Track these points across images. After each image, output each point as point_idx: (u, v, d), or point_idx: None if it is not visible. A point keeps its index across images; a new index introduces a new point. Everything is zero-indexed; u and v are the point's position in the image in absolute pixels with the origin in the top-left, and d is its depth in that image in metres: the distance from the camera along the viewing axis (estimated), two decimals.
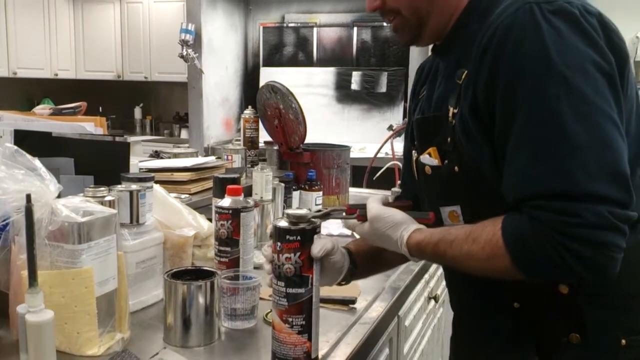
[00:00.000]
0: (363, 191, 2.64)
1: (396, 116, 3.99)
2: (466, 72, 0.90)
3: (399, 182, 1.93)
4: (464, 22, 0.98)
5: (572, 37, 0.79)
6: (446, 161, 0.96)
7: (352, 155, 2.47)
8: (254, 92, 2.75)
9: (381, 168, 2.48)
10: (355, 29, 4.23)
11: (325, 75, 4.24)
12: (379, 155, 3.62)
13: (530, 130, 0.80)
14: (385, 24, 4.14)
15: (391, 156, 3.59)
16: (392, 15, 1.01)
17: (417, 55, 3.61)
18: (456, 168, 0.94)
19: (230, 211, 1.27)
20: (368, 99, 4.13)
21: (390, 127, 3.82)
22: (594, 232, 0.75)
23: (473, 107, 0.89)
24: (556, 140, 0.78)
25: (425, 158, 1.01)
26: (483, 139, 0.88)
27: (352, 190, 2.43)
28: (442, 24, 1.00)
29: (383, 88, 4.06)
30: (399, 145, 3.75)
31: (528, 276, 0.83)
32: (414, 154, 1.07)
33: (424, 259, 1.00)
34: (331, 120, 4.21)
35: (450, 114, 0.92)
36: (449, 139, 0.94)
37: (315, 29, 4.34)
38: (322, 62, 4.33)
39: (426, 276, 1.76)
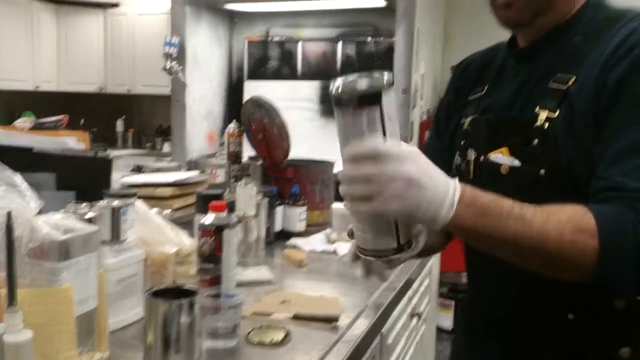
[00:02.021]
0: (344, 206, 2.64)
1: None
2: (574, 78, 0.91)
3: None
4: (566, 28, 0.97)
5: None
6: (525, 164, 0.93)
7: (336, 169, 2.47)
8: (238, 106, 2.75)
9: None
10: (339, 43, 4.25)
11: (310, 89, 4.25)
12: None
13: None
14: (366, 39, 4.18)
15: None
16: None
17: (400, 70, 3.64)
18: (542, 171, 0.91)
19: (213, 228, 1.26)
20: None
21: None
22: None
23: (586, 110, 0.88)
24: None
25: (498, 157, 0.96)
26: (587, 142, 0.88)
27: (336, 206, 2.43)
28: (555, 18, 0.98)
29: None
30: None
31: (606, 269, 0.78)
32: (471, 153, 1.03)
33: (470, 225, 0.79)
34: (315, 133, 4.21)
35: (543, 117, 0.91)
36: (535, 141, 0.91)
37: (299, 43, 4.36)
38: (307, 76, 4.35)
39: (409, 293, 1.76)
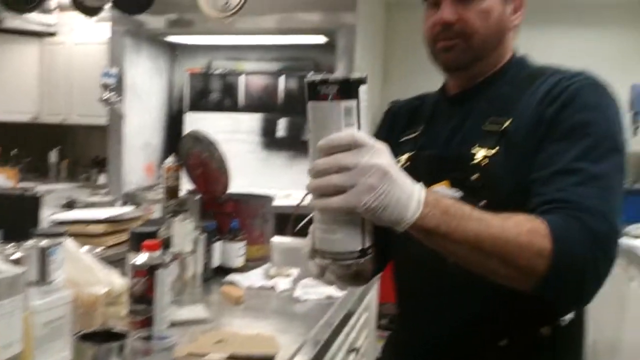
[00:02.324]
0: (287, 240, 2.64)
1: None
2: (509, 120, 1.00)
3: None
4: (495, 78, 1.08)
5: (613, 109, 0.98)
6: (466, 196, 1.00)
7: (278, 202, 2.46)
8: (178, 137, 2.72)
9: (306, 215, 2.49)
10: (282, 77, 4.30)
11: (252, 121, 4.26)
12: (304, 203, 3.64)
13: (583, 165, 0.91)
14: (310, 74, 4.24)
15: None
16: (457, 36, 1.03)
17: None
18: (482, 203, 0.97)
19: (146, 268, 1.23)
20: (294, 145, 4.17)
21: None
22: (613, 256, 0.87)
23: (524, 147, 0.97)
24: (599, 177, 0.90)
25: (441, 189, 1.02)
26: (527, 175, 0.95)
27: (276, 240, 2.42)
28: (486, 68, 1.08)
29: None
30: None
31: (558, 273, 0.82)
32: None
33: (434, 226, 0.79)
34: (257, 166, 4.21)
35: (480, 155, 1.00)
36: (474, 176, 1.00)
37: (242, 76, 4.38)
38: (249, 109, 4.36)
39: (346, 328, 1.76)
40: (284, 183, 4.02)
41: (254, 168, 4.17)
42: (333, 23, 3.64)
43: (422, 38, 1.10)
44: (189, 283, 1.75)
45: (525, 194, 0.94)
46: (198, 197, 2.15)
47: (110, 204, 2.16)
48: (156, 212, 2.02)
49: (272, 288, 1.85)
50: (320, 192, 0.75)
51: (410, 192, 0.77)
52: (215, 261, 1.94)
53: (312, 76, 0.77)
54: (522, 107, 1.00)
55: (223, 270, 1.96)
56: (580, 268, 0.83)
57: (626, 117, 3.33)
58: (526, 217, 0.85)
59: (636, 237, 2.96)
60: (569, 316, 1.03)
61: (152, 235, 1.42)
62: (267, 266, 1.99)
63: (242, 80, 4.37)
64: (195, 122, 4.17)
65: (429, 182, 0.99)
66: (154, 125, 4.28)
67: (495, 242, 0.81)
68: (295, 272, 1.96)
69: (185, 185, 2.23)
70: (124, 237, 1.79)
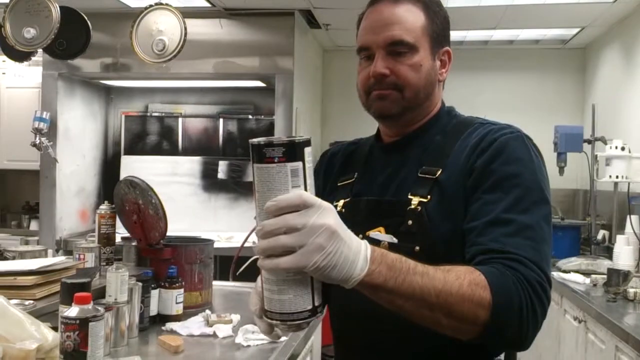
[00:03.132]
0: (228, 284, 2.60)
1: None
2: (441, 169, 1.06)
3: None
4: (427, 127, 1.14)
5: (539, 163, 1.05)
6: (401, 241, 1.04)
7: (219, 245, 2.43)
8: (114, 181, 2.66)
9: (249, 258, 2.46)
10: (221, 120, 4.30)
11: (191, 164, 4.22)
12: (246, 245, 3.61)
13: (514, 216, 0.97)
14: (247, 117, 4.26)
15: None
16: (390, 87, 1.08)
17: None
18: (417, 248, 1.02)
19: (78, 321, 1.19)
20: (235, 187, 4.15)
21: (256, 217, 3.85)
22: (547, 301, 0.93)
23: (456, 194, 1.03)
24: (531, 227, 0.96)
25: (377, 235, 1.06)
26: (460, 221, 1.01)
27: (217, 284, 2.38)
28: (417, 117, 1.14)
29: (250, 177, 4.11)
30: None
31: (498, 320, 0.86)
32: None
33: (381, 282, 0.81)
34: (197, 209, 4.16)
35: (416, 202, 1.05)
36: (409, 222, 1.04)
37: (180, 119, 4.35)
38: (188, 152, 4.33)
39: None
40: (226, 225, 3.98)
41: (194, 211, 4.11)
42: (271, 68, 3.70)
43: (355, 85, 1.15)
44: (125, 334, 1.69)
45: (457, 241, 1.00)
46: (134, 244, 2.10)
47: (42, 254, 2.07)
48: (90, 260, 1.95)
49: (213, 335, 1.81)
50: (268, 253, 0.76)
51: (357, 249, 0.79)
52: (153, 310, 1.88)
53: (257, 139, 0.78)
54: (453, 157, 1.07)
55: (161, 319, 1.91)
56: (518, 316, 0.88)
57: (551, 158, 3.50)
58: (466, 269, 0.88)
59: (566, 271, 3.08)
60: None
61: (84, 286, 1.37)
62: (207, 313, 1.95)
63: (180, 123, 4.34)
64: (132, 165, 4.09)
65: (364, 228, 1.06)
66: (89, 170, 4.17)
67: (439, 295, 0.84)
68: (236, 317, 1.92)
69: (121, 232, 2.18)
70: (55, 288, 1.71)
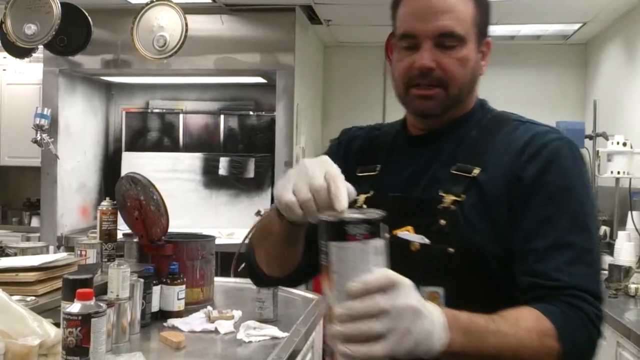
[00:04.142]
0: (230, 280, 2.60)
1: (264, 201, 4.04)
2: (479, 169, 0.99)
3: None
4: (462, 122, 1.07)
5: (587, 173, 1.03)
6: (434, 242, 0.98)
7: (220, 241, 2.43)
8: (115, 177, 2.66)
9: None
10: (222, 116, 4.30)
11: (192, 160, 4.22)
12: (247, 242, 3.61)
13: (572, 238, 0.94)
14: (248, 113, 4.25)
15: None
16: (434, 83, 1.01)
17: (282, 143, 3.73)
18: (451, 249, 0.96)
19: (80, 317, 1.19)
20: (236, 184, 4.15)
21: (258, 212, 3.84)
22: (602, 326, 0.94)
23: (497, 199, 0.98)
24: (589, 250, 0.95)
25: (406, 234, 1.00)
26: (500, 225, 0.97)
27: (219, 280, 2.38)
28: (456, 113, 1.06)
29: (251, 173, 4.12)
30: None
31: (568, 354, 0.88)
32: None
33: (459, 349, 0.79)
34: (199, 205, 4.15)
35: (449, 200, 0.98)
36: (442, 221, 0.98)
37: (181, 115, 4.35)
38: (189, 148, 4.32)
39: None
40: (227, 221, 3.98)
41: (195, 207, 4.11)
42: (272, 64, 3.69)
43: (393, 77, 1.06)
44: (127, 330, 1.69)
45: (494, 247, 0.96)
46: (135, 240, 2.10)
47: (43, 250, 2.08)
48: (91, 257, 1.95)
49: (215, 331, 1.81)
50: (355, 339, 0.71)
51: (435, 322, 0.76)
52: (154, 306, 1.89)
53: (331, 215, 0.75)
54: (492, 156, 1.01)
55: (162, 315, 1.91)
56: (583, 354, 0.91)
57: None
58: (533, 317, 0.87)
59: None
60: None
61: (86, 282, 1.37)
62: (208, 309, 1.95)
63: (181, 120, 4.34)
64: (132, 161, 4.09)
65: (391, 226, 0.95)
66: (90, 166, 4.17)
67: (513, 353, 0.85)
68: (238, 313, 1.93)
69: (122, 229, 2.18)
70: (57, 284, 1.71)
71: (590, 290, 0.92)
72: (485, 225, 0.97)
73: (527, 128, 1.03)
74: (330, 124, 5.05)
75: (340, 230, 0.72)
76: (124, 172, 3.13)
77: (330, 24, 4.27)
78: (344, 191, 0.82)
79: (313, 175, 0.83)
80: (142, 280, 1.80)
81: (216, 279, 2.30)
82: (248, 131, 4.25)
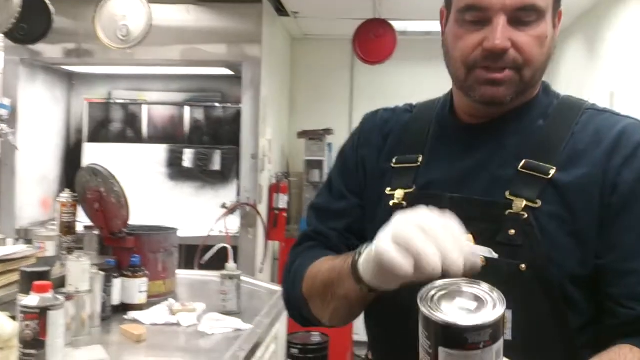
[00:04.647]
0: (194, 273, 2.58)
1: (230, 194, 4.02)
2: (555, 168, 0.84)
3: (231, 262, 1.92)
4: (527, 109, 0.90)
5: None
6: (503, 256, 0.80)
7: (185, 234, 2.41)
8: (77, 169, 2.61)
9: (213, 246, 2.45)
10: (187, 108, 4.25)
11: (157, 152, 4.16)
12: (212, 234, 3.59)
13: None
14: (214, 105, 4.21)
15: (225, 233, 3.58)
16: (508, 65, 0.84)
17: (248, 135, 3.72)
18: (523, 266, 0.81)
19: (37, 310, 1.17)
20: (201, 176, 4.12)
21: (223, 205, 3.83)
22: None
23: (584, 206, 0.82)
24: None
25: (470, 246, 0.83)
26: (587, 240, 0.82)
27: (182, 273, 2.37)
28: (524, 99, 0.90)
29: (216, 166, 4.09)
30: (232, 223, 3.76)
31: None
32: None
33: None
34: (163, 197, 4.11)
35: (521, 206, 0.82)
36: (511, 231, 0.82)
37: (145, 106, 4.28)
38: (153, 140, 4.26)
39: None
40: (192, 214, 3.95)
41: (160, 200, 4.06)
42: (238, 56, 3.66)
43: (446, 57, 0.89)
44: (86, 323, 1.67)
45: (578, 266, 0.82)
46: (96, 233, 2.07)
47: (1, 242, 2.03)
48: (50, 250, 1.92)
49: (177, 324, 1.80)
50: None
51: None
52: (115, 299, 1.86)
53: (446, 318, 0.61)
54: (571, 154, 0.85)
55: (124, 308, 1.89)
56: None
57: None
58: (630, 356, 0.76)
59: None
60: None
61: (44, 274, 1.35)
62: (171, 302, 1.94)
63: (145, 111, 4.28)
64: (95, 153, 4.02)
65: None
66: (50, 158, 4.08)
67: None
68: (201, 306, 1.92)
69: (83, 221, 2.15)
70: (14, 277, 1.68)
71: None
72: (567, 239, 0.82)
73: (608, 119, 0.88)
74: (298, 117, 5.05)
75: (460, 338, 0.60)
76: (85, 164, 3.07)
77: (297, 16, 4.27)
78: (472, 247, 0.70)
79: (437, 228, 0.67)
80: (102, 273, 1.78)
81: (180, 271, 2.29)
82: (214, 123, 4.21)
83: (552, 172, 0.83)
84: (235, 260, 2.03)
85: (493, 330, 0.61)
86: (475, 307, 0.63)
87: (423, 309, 0.63)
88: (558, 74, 4.44)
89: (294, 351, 3.65)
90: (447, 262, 0.66)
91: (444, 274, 0.66)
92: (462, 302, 0.64)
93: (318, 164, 4.62)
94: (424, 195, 0.89)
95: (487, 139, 0.90)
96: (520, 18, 0.82)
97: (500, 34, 0.81)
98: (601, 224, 0.82)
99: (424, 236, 0.67)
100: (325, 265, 0.90)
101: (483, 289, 0.65)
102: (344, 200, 1.00)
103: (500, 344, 0.62)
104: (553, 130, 0.87)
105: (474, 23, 0.83)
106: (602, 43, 3.68)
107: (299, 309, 0.97)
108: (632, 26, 3.26)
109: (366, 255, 0.75)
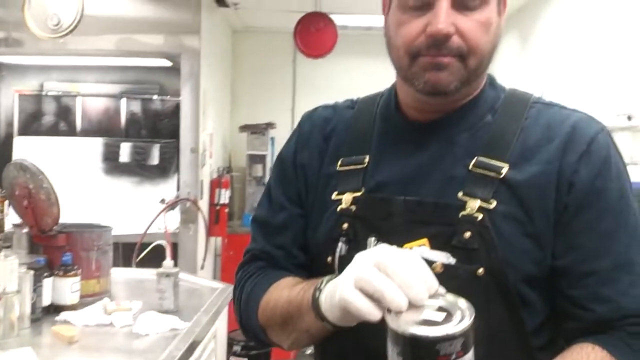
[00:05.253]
0: (131, 271, 2.51)
1: (169, 189, 3.93)
2: (507, 166, 0.80)
3: (168, 260, 1.88)
4: (474, 104, 0.87)
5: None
6: (460, 261, 0.78)
7: (123, 231, 2.34)
8: (5, 164, 2.48)
9: (150, 244, 2.39)
10: (123, 100, 4.13)
11: (91, 146, 4.03)
12: (150, 231, 3.50)
13: (633, 253, 0.80)
14: (151, 97, 4.10)
15: (164, 230, 3.50)
16: (452, 53, 0.79)
17: (187, 129, 3.64)
18: (480, 270, 0.78)
19: None
20: (139, 171, 4.01)
21: (162, 200, 3.74)
22: None
23: (539, 206, 0.80)
24: None
25: (425, 251, 0.78)
26: (544, 240, 0.80)
27: (118, 271, 2.30)
28: (470, 92, 0.86)
29: (155, 160, 3.99)
30: (171, 218, 3.69)
31: None
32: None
33: None
34: (99, 193, 3.98)
35: (475, 206, 0.78)
36: (467, 234, 0.78)
37: (78, 98, 4.13)
38: (88, 133, 4.13)
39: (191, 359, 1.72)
40: (129, 210, 3.84)
41: (95, 196, 3.94)
42: (176, 47, 3.58)
43: (388, 47, 0.84)
44: (15, 325, 1.60)
45: (536, 268, 0.80)
46: (25, 230, 1.98)
47: None
48: None
49: (111, 324, 1.75)
50: None
51: None
52: (46, 299, 1.79)
53: (418, 331, 0.61)
54: (523, 150, 0.82)
55: (55, 309, 1.82)
56: None
57: None
58: (599, 357, 0.76)
59: None
60: None
61: None
62: (105, 301, 1.88)
63: (79, 103, 4.13)
64: (26, 147, 3.85)
65: (401, 239, 0.79)
66: None
67: None
68: (137, 305, 1.87)
69: (12, 218, 2.05)
70: None
71: None
72: (524, 240, 0.79)
73: (558, 113, 0.85)
74: (239, 110, 4.99)
75: (430, 351, 0.59)
76: (14, 159, 2.93)
77: (237, 8, 4.21)
78: (430, 274, 0.67)
79: (396, 265, 0.66)
80: (31, 272, 1.70)
81: (116, 269, 2.22)
82: (152, 116, 4.11)
83: (505, 170, 0.80)
84: (176, 257, 1.99)
85: (464, 339, 0.60)
86: (444, 318, 0.62)
87: (392, 324, 0.62)
88: (494, 70, 4.57)
89: (236, 348, 3.61)
90: (411, 296, 0.65)
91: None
92: (429, 314, 0.63)
93: (261, 159, 4.59)
94: (374, 198, 0.85)
95: (436, 137, 0.86)
96: (464, 1, 0.78)
97: (443, 17, 0.77)
98: (558, 224, 0.80)
99: (385, 276, 0.66)
100: (282, 296, 0.87)
101: (449, 299, 0.65)
102: (284, 212, 0.95)
103: (472, 354, 0.62)
104: (502, 126, 0.84)
105: (417, 8, 0.79)
106: (534, 39, 3.81)
107: (255, 335, 0.94)
108: (561, 23, 3.39)
109: (329, 298, 0.73)
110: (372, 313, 0.66)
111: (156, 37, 3.57)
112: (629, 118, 1.90)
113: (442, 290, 0.67)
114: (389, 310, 0.64)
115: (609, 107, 2.31)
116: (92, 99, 4.15)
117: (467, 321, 0.61)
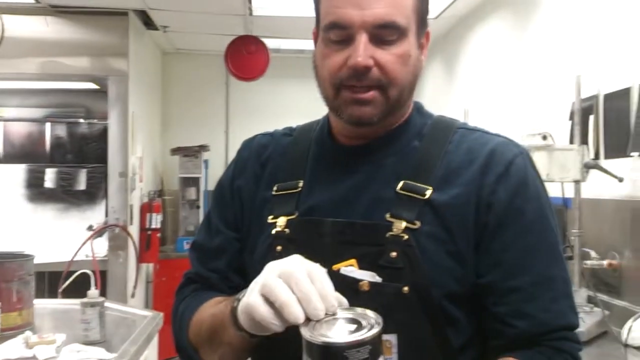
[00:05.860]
0: (55, 302, 2.41)
1: (97, 215, 3.81)
2: (431, 189, 0.84)
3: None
4: (402, 130, 0.92)
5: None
6: (386, 280, 0.81)
7: (48, 260, 2.25)
8: None
9: (75, 272, 2.30)
10: (48, 124, 3.99)
11: (14, 172, 3.86)
12: (78, 258, 3.37)
13: (553, 270, 0.84)
14: (77, 121, 3.99)
15: (91, 258, 3.38)
16: (373, 84, 0.83)
17: (116, 153, 3.56)
18: (406, 288, 0.81)
19: None
20: (65, 197, 3.87)
21: (90, 227, 3.62)
22: None
23: (460, 225, 0.83)
24: (566, 280, 0.86)
25: (353, 271, 0.82)
26: (466, 259, 0.83)
27: (42, 302, 2.20)
28: (394, 119, 0.91)
29: (82, 185, 3.87)
30: (100, 245, 3.56)
31: None
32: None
33: None
34: (22, 221, 3.81)
35: (401, 227, 0.82)
36: (393, 254, 0.82)
37: (0, 123, 3.97)
38: (10, 158, 3.96)
39: None
40: (55, 238, 3.69)
41: (18, 224, 3.76)
42: (103, 70, 3.51)
43: (316, 76, 0.89)
44: None
45: (458, 285, 0.83)
46: None
47: None
48: None
49: (33, 357, 1.67)
50: None
51: None
52: None
53: (328, 338, 0.64)
54: (446, 174, 0.86)
55: None
56: None
57: None
58: None
59: None
60: None
61: None
62: (27, 334, 1.79)
63: (0, 128, 3.96)
64: None
65: (330, 260, 0.81)
66: None
67: None
68: (61, 337, 1.79)
69: None
70: None
71: (571, 324, 0.84)
72: (446, 258, 0.83)
73: (479, 138, 0.90)
74: (171, 133, 4.92)
75: (340, 358, 0.62)
76: None
77: (167, 30, 4.17)
78: (332, 290, 0.70)
79: (298, 277, 0.69)
80: None
81: (39, 300, 2.12)
82: (78, 140, 3.98)
83: (429, 192, 0.84)
84: (105, 286, 1.93)
85: (372, 347, 0.63)
86: (355, 328, 0.66)
87: (305, 334, 0.65)
88: (423, 96, 4.73)
89: None
90: (309, 309, 0.67)
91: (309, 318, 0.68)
92: (341, 325, 0.67)
93: (194, 182, 4.52)
94: (305, 221, 0.89)
95: (366, 161, 0.90)
96: (382, 36, 0.83)
97: (362, 51, 0.81)
98: (479, 243, 0.84)
99: (287, 286, 0.69)
100: (208, 312, 0.89)
101: (358, 312, 0.69)
102: (220, 236, 0.98)
103: None
104: (428, 151, 0.89)
105: (339, 42, 0.84)
106: (458, 64, 3.97)
107: (189, 356, 0.94)
108: (482, 48, 3.56)
109: (241, 304, 0.76)
110: (271, 318, 0.69)
111: (81, 59, 3.49)
112: (544, 137, 2.01)
113: (346, 303, 0.71)
114: (305, 323, 0.67)
115: (526, 127, 2.44)
116: (14, 124, 3.99)
117: (375, 329, 0.64)
